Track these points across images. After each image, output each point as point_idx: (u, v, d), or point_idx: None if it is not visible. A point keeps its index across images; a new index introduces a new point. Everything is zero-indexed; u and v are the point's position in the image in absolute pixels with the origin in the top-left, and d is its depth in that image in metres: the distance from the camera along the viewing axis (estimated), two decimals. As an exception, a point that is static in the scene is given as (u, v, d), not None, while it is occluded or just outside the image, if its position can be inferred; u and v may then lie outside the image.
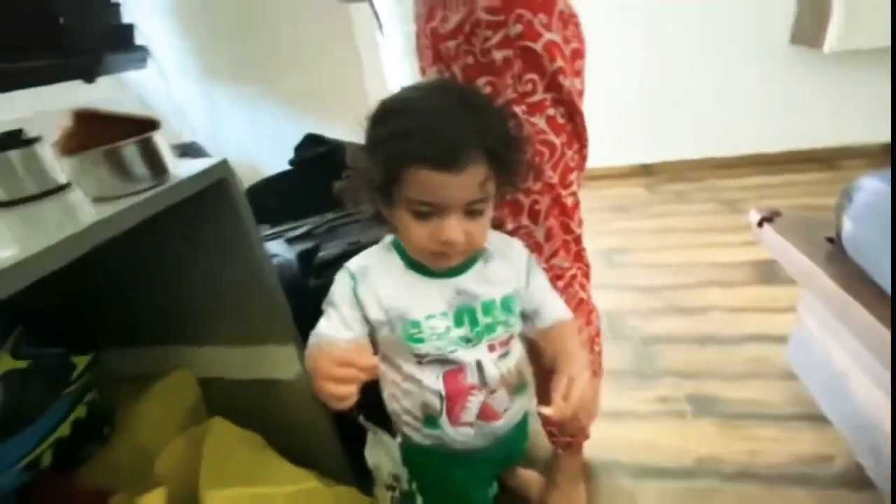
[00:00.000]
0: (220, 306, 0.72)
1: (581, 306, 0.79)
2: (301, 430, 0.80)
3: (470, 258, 0.57)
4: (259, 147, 1.41)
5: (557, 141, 0.67)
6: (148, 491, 0.61)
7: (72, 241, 0.44)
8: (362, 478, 0.80)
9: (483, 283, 0.57)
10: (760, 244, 1.01)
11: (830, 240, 0.86)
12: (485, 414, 0.58)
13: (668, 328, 1.33)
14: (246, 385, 0.78)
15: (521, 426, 0.67)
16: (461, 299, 0.55)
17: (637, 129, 2.40)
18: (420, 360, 0.56)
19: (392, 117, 0.49)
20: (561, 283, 0.76)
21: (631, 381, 1.16)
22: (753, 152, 2.32)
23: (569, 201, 0.73)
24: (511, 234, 0.72)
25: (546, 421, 0.85)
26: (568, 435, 0.48)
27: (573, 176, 0.72)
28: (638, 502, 0.89)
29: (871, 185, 0.77)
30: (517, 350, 0.61)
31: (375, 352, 0.60)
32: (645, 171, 2.49)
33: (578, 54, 0.67)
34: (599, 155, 2.75)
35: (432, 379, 0.56)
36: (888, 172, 0.76)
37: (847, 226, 0.81)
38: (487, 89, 0.65)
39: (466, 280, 0.56)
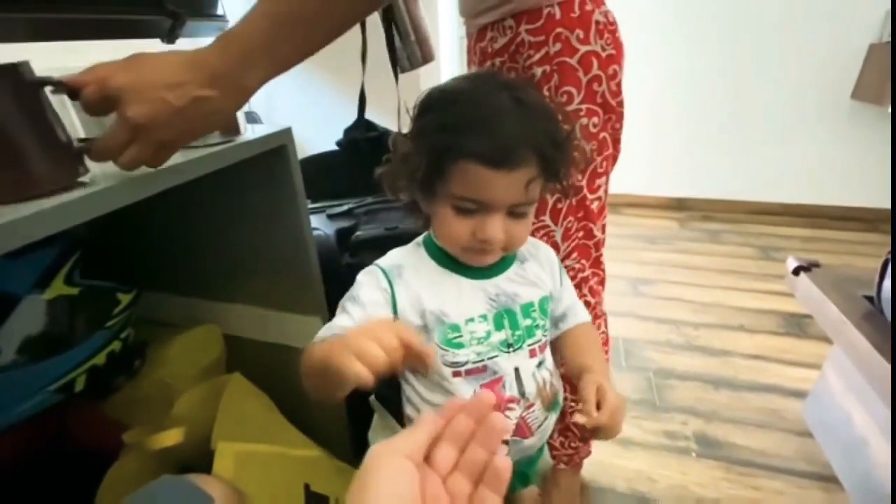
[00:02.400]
0: (258, 269, 0.75)
1: (588, 310, 0.81)
2: (311, 402, 0.82)
3: (506, 258, 0.55)
4: (309, 126, 1.45)
5: (587, 147, 0.70)
6: (164, 429, 0.64)
7: (140, 183, 0.46)
8: (360, 458, 0.82)
9: (521, 283, 0.55)
10: (790, 295, 0.99)
11: (869, 298, 0.84)
12: (519, 430, 0.54)
13: (684, 364, 1.31)
14: (268, 348, 0.81)
15: (543, 446, 0.63)
16: (501, 301, 0.53)
17: (675, 162, 2.38)
18: (456, 369, 0.52)
19: (442, 107, 0.47)
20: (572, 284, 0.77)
21: (640, 410, 1.15)
22: (795, 202, 2.27)
23: (594, 206, 0.75)
24: (532, 234, 0.74)
25: (565, 430, 0.86)
26: (597, 439, 0.48)
27: (600, 181, 0.74)
28: (631, 531, 0.88)
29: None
30: (550, 359, 0.58)
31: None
32: (678, 206, 2.45)
33: (613, 59, 0.69)
34: (634, 183, 2.75)
35: (467, 392, 0.52)
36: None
37: (887, 286, 0.79)
38: None
39: (504, 281, 0.54)
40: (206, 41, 0.45)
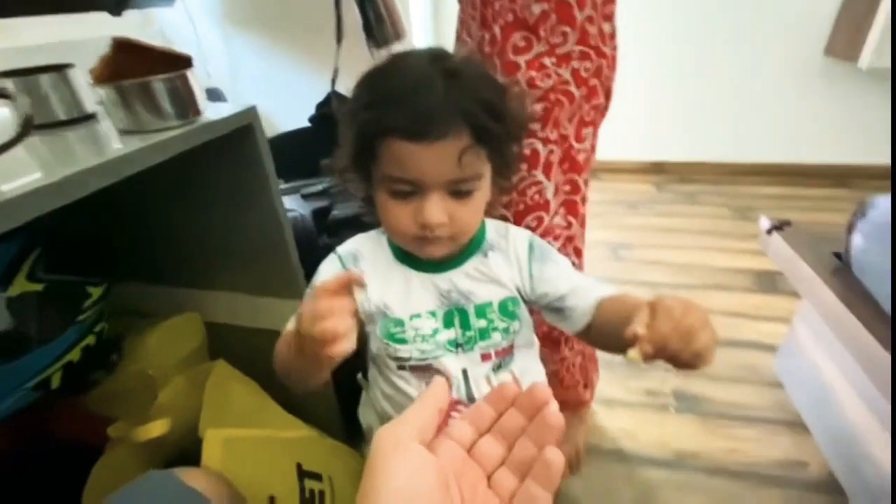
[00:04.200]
0: (233, 254, 0.73)
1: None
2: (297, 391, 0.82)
3: (465, 250, 0.52)
4: (278, 101, 1.39)
5: (577, 93, 0.70)
6: (149, 421, 0.64)
7: (96, 172, 0.43)
8: (352, 435, 0.83)
9: (480, 280, 0.51)
10: (766, 254, 1.02)
11: (838, 255, 0.87)
12: None
13: (662, 325, 1.35)
14: (250, 333, 0.80)
15: None
16: (452, 298, 0.50)
17: (652, 126, 2.37)
18: (401, 365, 0.51)
19: (369, 85, 0.45)
20: (557, 244, 0.78)
21: (621, 371, 1.19)
22: (770, 161, 2.30)
23: (580, 157, 0.75)
24: (524, 191, 0.73)
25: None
26: (685, 366, 0.36)
27: (587, 131, 0.74)
28: (615, 485, 0.93)
29: (886, 205, 0.78)
30: (523, 362, 0.54)
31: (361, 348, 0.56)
32: (656, 169, 2.47)
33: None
34: (613, 148, 2.74)
35: (414, 389, 0.51)
36: (907, 194, 0.76)
37: (856, 242, 0.82)
38: (522, 44, 0.68)
39: (460, 276, 0.51)
40: (155, 13, 0.41)
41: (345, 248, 0.54)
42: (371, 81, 0.45)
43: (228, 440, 0.64)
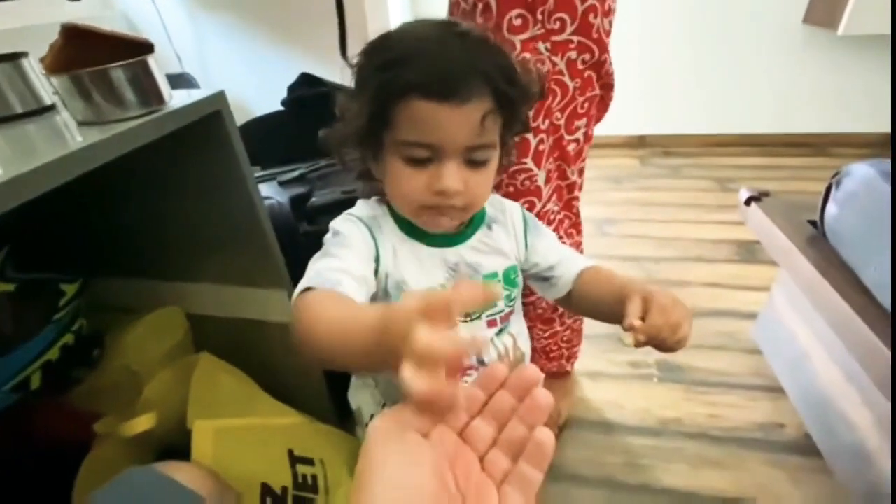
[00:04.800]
0: (212, 244, 0.72)
1: None
2: (288, 370, 0.83)
3: (470, 224, 0.52)
4: (249, 84, 1.35)
5: (571, 84, 0.68)
6: (135, 416, 0.63)
7: (57, 166, 0.42)
8: (343, 419, 0.84)
9: (486, 252, 0.52)
10: (745, 224, 1.03)
11: (814, 223, 0.88)
12: None
13: (646, 298, 1.38)
14: (234, 324, 0.79)
15: None
16: (462, 270, 0.51)
17: (633, 100, 2.36)
18: None
19: (382, 47, 0.43)
20: (550, 227, 0.78)
21: (606, 344, 1.21)
22: (752, 132, 2.32)
23: (570, 148, 0.74)
24: (514, 175, 0.73)
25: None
26: (666, 349, 0.42)
27: (580, 122, 0.73)
28: (602, 454, 0.96)
29: (861, 172, 0.79)
30: (517, 325, 0.57)
31: None
32: (640, 143, 2.47)
33: None
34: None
35: None
36: (881, 161, 0.78)
37: (831, 210, 0.83)
38: (518, 22, 0.64)
39: (467, 250, 0.51)
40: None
41: (361, 212, 0.51)
42: (386, 44, 0.43)
43: (218, 431, 0.64)
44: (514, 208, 0.57)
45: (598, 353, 1.19)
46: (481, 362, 0.52)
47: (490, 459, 0.26)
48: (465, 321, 0.51)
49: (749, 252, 1.54)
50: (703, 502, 0.86)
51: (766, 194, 1.01)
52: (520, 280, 0.55)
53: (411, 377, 0.23)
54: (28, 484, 0.65)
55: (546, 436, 0.25)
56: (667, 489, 0.88)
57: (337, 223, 0.50)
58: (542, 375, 0.27)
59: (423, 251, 0.50)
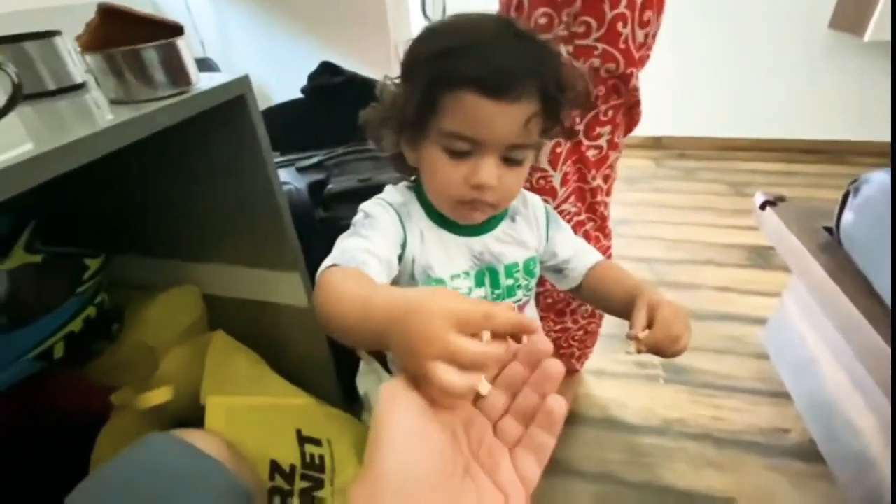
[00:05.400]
0: (230, 226, 0.73)
1: None
2: (298, 353, 0.84)
3: (495, 217, 0.53)
4: (270, 72, 1.37)
5: (593, 92, 0.67)
6: (151, 389, 0.65)
7: (86, 143, 0.43)
8: (350, 403, 0.86)
9: (509, 243, 0.53)
10: (759, 229, 1.03)
11: (829, 230, 0.88)
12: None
13: (655, 299, 1.38)
14: (248, 305, 0.81)
15: None
16: (485, 259, 0.52)
17: (651, 101, 2.33)
18: None
19: (438, 35, 0.43)
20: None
21: (612, 344, 1.21)
22: (769, 137, 2.29)
23: (590, 154, 0.73)
24: (530, 174, 0.72)
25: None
26: (664, 356, 0.45)
27: (603, 130, 0.72)
28: (604, 451, 0.96)
29: (879, 180, 0.78)
30: (531, 314, 0.59)
31: None
32: (655, 144, 2.46)
33: (651, 4, 0.64)
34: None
35: None
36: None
37: (847, 217, 0.83)
38: (543, 20, 0.63)
39: (491, 240, 0.53)
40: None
41: (392, 197, 0.52)
42: (443, 31, 0.44)
43: (230, 407, 0.66)
44: (536, 201, 0.59)
45: (604, 351, 1.19)
46: None
47: (502, 426, 0.27)
48: None
49: (760, 257, 1.53)
50: (702, 502, 0.86)
51: (781, 199, 1.00)
52: (538, 271, 0.57)
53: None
54: (47, 452, 0.67)
55: (557, 403, 0.26)
56: (667, 488, 0.89)
57: (368, 205, 0.51)
58: (552, 347, 0.28)
59: (450, 239, 0.51)
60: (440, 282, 0.50)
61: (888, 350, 0.63)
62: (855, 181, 0.83)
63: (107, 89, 0.51)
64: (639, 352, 0.44)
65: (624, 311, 0.49)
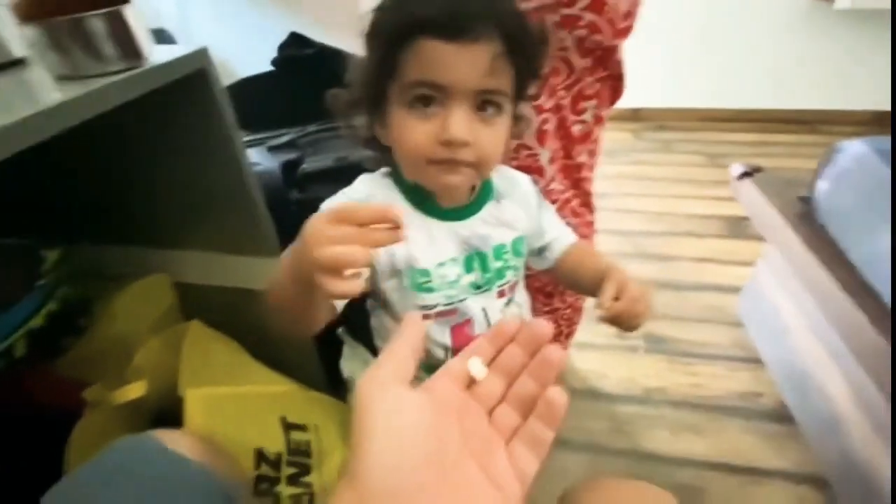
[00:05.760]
0: (199, 211, 0.70)
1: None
2: (278, 339, 0.82)
3: (479, 197, 0.52)
4: (233, 44, 1.29)
5: (580, 64, 0.65)
6: (125, 384, 0.63)
7: (32, 123, 0.39)
8: (335, 387, 0.85)
9: (495, 225, 0.52)
10: (736, 199, 1.04)
11: (804, 199, 0.89)
12: None
13: (634, 272, 1.39)
14: (225, 293, 0.78)
15: None
16: (472, 243, 0.51)
17: (631, 73, 2.31)
18: (426, 312, 0.51)
19: None
20: (555, 207, 0.78)
21: (593, 315, 1.23)
22: (747, 107, 2.31)
23: (575, 128, 0.72)
24: (517, 150, 0.71)
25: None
26: (624, 329, 0.49)
27: (588, 104, 0.70)
28: (587, 421, 0.99)
29: (855, 150, 0.79)
30: (521, 295, 0.59)
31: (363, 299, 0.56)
32: (633, 117, 2.45)
33: None
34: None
35: (439, 333, 0.53)
36: (876, 139, 0.78)
37: (822, 187, 0.84)
38: None
39: (478, 223, 0.51)
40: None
41: (356, 191, 0.50)
42: None
43: (209, 398, 0.64)
44: (525, 181, 0.57)
45: (585, 324, 1.20)
46: None
47: (498, 414, 0.26)
48: (477, 293, 0.52)
49: (737, 228, 1.56)
50: (682, 465, 0.90)
51: (758, 170, 1.01)
52: (525, 250, 0.56)
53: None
54: (19, 451, 0.65)
55: (558, 395, 0.24)
56: (649, 454, 0.92)
57: (327, 203, 0.50)
58: (552, 330, 0.27)
59: (434, 226, 0.50)
60: (425, 272, 0.49)
61: (861, 317, 0.65)
62: (830, 151, 0.83)
63: (50, 64, 0.46)
64: (602, 321, 0.48)
65: (593, 289, 0.51)
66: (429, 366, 0.55)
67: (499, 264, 0.52)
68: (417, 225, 0.49)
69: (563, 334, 1.02)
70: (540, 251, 0.59)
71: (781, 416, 0.96)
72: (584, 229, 0.86)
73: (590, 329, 1.20)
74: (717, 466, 0.89)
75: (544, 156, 0.72)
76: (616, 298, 0.47)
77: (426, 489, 0.21)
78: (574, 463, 0.91)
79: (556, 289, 0.92)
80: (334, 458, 0.71)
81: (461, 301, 0.51)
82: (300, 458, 0.68)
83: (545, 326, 0.26)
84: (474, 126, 0.41)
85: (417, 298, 0.50)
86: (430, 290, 0.50)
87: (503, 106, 0.43)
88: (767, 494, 0.85)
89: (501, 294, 0.54)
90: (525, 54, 0.42)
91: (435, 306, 0.51)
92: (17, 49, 0.53)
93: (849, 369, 0.74)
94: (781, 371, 0.98)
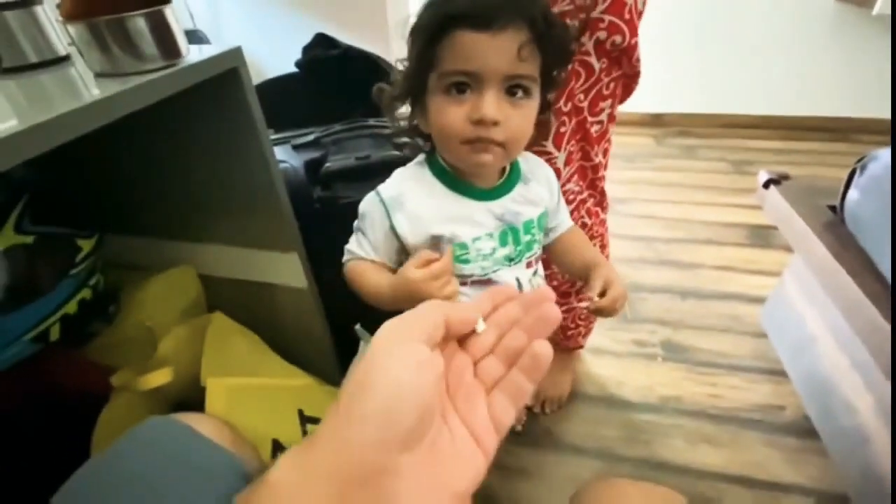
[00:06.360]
0: (225, 206, 0.72)
1: (585, 231, 0.82)
2: (297, 334, 0.84)
3: (510, 179, 0.56)
4: (262, 45, 1.32)
5: (597, 65, 0.65)
6: (150, 370, 0.65)
7: (73, 118, 0.41)
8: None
9: (524, 203, 0.57)
10: (758, 208, 1.02)
11: (833, 208, 0.87)
12: None
13: (654, 279, 1.38)
14: (246, 286, 0.80)
15: None
16: (506, 219, 0.55)
17: (653, 77, 2.27)
18: (462, 281, 0.55)
19: None
20: (570, 207, 0.78)
21: (612, 323, 1.22)
22: (772, 114, 2.25)
23: (594, 129, 0.72)
24: (535, 153, 0.73)
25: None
26: (599, 316, 0.55)
27: (605, 104, 0.71)
28: (601, 428, 0.98)
29: (886, 158, 0.77)
30: (541, 266, 0.63)
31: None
32: (655, 122, 2.42)
33: None
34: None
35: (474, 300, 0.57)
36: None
37: (852, 195, 0.82)
38: None
39: (509, 202, 0.56)
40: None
41: (388, 191, 0.55)
42: None
43: (231, 388, 0.66)
44: (547, 168, 0.62)
45: (603, 330, 1.20)
46: None
47: (484, 365, 0.26)
48: (510, 265, 0.56)
49: (760, 237, 1.52)
50: (697, 477, 0.88)
51: (785, 177, 0.99)
52: (545, 223, 0.61)
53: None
54: (47, 432, 0.67)
55: (544, 348, 0.25)
56: (663, 463, 0.91)
57: (364, 205, 0.56)
58: (554, 295, 0.28)
59: (473, 206, 0.54)
60: (462, 245, 0.53)
61: (889, 329, 0.63)
62: (861, 159, 0.81)
63: (91, 62, 0.48)
64: (586, 310, 0.54)
65: (581, 275, 0.60)
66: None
67: (528, 238, 0.57)
68: (452, 203, 0.54)
69: (581, 333, 1.02)
70: (548, 231, 0.64)
71: (803, 430, 0.93)
72: (599, 228, 0.87)
73: (608, 336, 1.19)
74: (734, 479, 0.87)
75: (560, 158, 0.72)
76: (601, 294, 0.53)
77: (412, 448, 0.21)
78: (587, 470, 0.90)
79: (572, 288, 0.92)
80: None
81: (494, 272, 0.56)
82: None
83: (548, 292, 0.27)
84: (504, 107, 0.46)
85: (454, 269, 0.54)
86: (465, 261, 0.54)
87: (531, 90, 0.48)
88: (787, 510, 0.82)
89: (529, 265, 0.58)
90: (551, 42, 0.46)
91: (470, 276, 0.55)
92: (61, 47, 0.56)
93: (875, 383, 0.72)
94: (805, 383, 0.96)
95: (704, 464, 0.90)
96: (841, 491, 0.83)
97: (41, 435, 0.67)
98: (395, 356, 0.23)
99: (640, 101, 2.57)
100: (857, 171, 0.81)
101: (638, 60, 0.68)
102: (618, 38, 0.63)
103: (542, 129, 0.55)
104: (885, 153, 0.78)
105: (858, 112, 2.14)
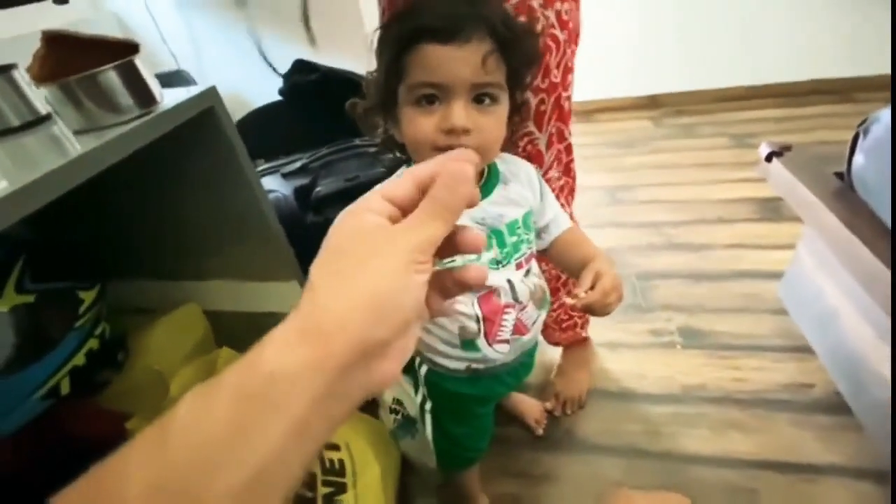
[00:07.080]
0: (220, 241, 0.72)
1: None
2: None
3: (488, 182, 0.56)
4: (245, 77, 1.33)
5: (562, 37, 0.66)
6: (164, 412, 0.65)
7: (57, 177, 0.42)
8: (365, 404, 0.86)
9: (505, 204, 0.56)
10: (766, 180, 0.99)
11: (840, 175, 0.84)
12: (517, 329, 0.60)
13: (666, 264, 1.35)
14: (252, 317, 0.81)
15: (536, 341, 0.70)
16: (488, 223, 0.55)
17: (645, 58, 2.26)
18: None
19: (397, 12, 0.49)
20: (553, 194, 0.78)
21: (626, 315, 1.20)
22: (768, 82, 2.20)
23: (566, 105, 0.73)
24: (516, 139, 0.73)
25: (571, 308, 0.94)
26: (593, 315, 0.52)
27: (570, 77, 0.72)
28: (621, 424, 0.95)
29: (888, 119, 0.74)
30: (535, 265, 0.63)
31: None
32: (652, 104, 2.38)
33: None
34: (605, 86, 2.63)
35: (467, 305, 0.57)
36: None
37: (858, 160, 0.79)
38: None
39: (489, 204, 0.56)
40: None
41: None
42: (400, 7, 0.49)
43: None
44: (528, 166, 0.62)
45: (616, 323, 1.17)
46: (516, 300, 0.58)
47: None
48: (498, 268, 0.56)
49: (771, 210, 1.49)
50: (727, 466, 0.85)
51: (787, 148, 0.96)
52: (532, 223, 0.60)
53: None
54: (64, 483, 0.68)
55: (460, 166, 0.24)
56: (690, 455, 0.88)
57: (346, 211, 0.54)
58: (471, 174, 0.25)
59: None
60: None
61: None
62: (864, 122, 0.78)
63: (69, 120, 0.49)
64: (573, 307, 0.51)
65: (576, 274, 0.57)
66: (465, 341, 0.59)
67: (514, 239, 0.56)
68: None
69: (577, 325, 1.01)
70: (538, 232, 0.63)
71: (835, 406, 0.90)
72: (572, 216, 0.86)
73: (623, 328, 1.16)
74: (767, 465, 0.84)
75: (542, 140, 0.72)
76: (592, 287, 0.51)
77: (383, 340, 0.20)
78: (610, 468, 0.88)
79: (559, 282, 0.92)
80: (367, 476, 0.71)
81: None
82: (335, 477, 0.69)
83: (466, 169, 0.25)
84: (473, 115, 0.47)
85: None
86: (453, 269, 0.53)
87: (498, 97, 0.48)
88: (824, 492, 0.79)
89: (519, 266, 0.58)
90: (515, 49, 0.48)
91: None
92: (42, 107, 0.57)
93: (904, 354, 0.69)
94: (832, 358, 0.92)
95: (734, 452, 0.87)
96: (879, 466, 0.80)
97: (59, 487, 0.67)
98: (344, 227, 0.23)
99: (633, 85, 2.54)
100: (861, 135, 0.79)
101: (578, 23, 0.70)
102: (568, 6, 0.65)
103: (523, 114, 0.56)
104: (887, 113, 0.75)
105: (859, 70, 2.08)
